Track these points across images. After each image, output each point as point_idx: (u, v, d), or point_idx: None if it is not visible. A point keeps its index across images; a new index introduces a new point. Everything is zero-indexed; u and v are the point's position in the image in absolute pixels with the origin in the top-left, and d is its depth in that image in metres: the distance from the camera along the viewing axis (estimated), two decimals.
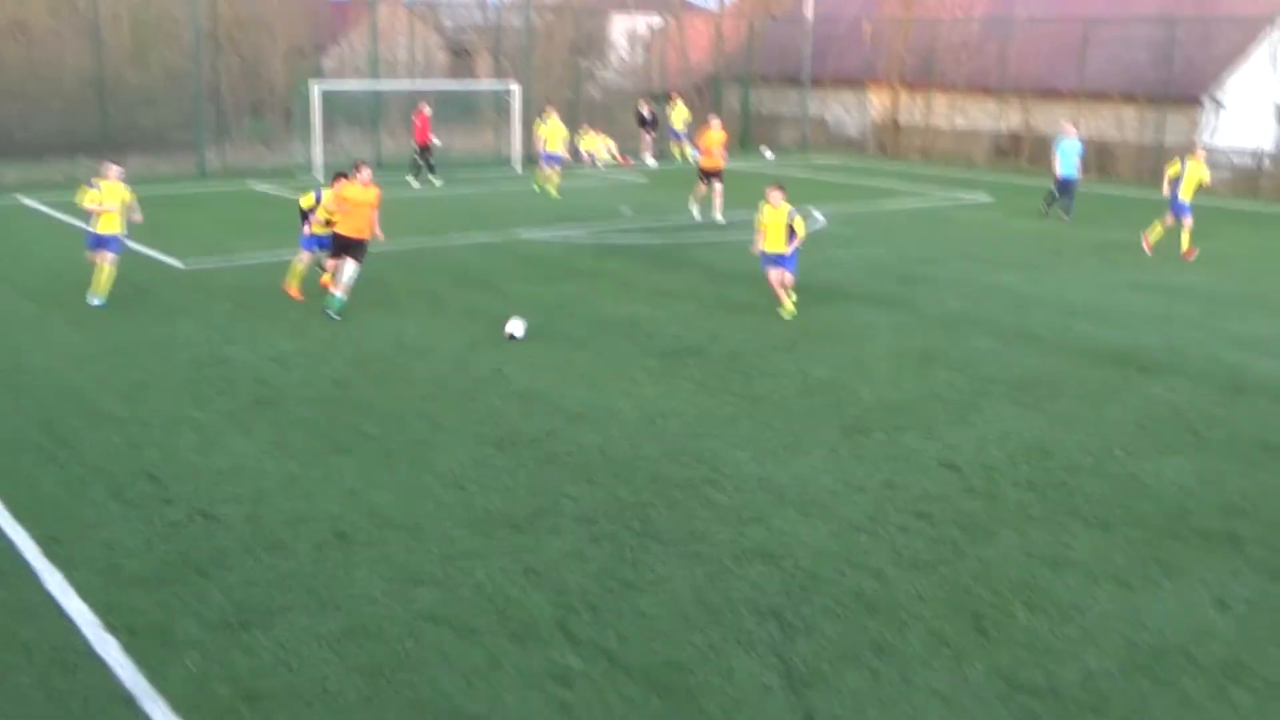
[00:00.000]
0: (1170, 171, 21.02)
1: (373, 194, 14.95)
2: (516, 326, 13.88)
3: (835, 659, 6.77)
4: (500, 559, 7.98)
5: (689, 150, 37.02)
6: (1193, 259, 20.37)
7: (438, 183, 29.18)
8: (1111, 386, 12.57)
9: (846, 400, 11.81)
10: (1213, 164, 33.08)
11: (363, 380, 12.16)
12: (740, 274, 17.69)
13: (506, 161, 33.36)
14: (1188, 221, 20.60)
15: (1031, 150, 36.25)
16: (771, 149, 38.57)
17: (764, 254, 15.33)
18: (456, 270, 18.19)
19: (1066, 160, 25.00)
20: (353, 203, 14.76)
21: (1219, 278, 19.24)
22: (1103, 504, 9.21)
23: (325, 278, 15.61)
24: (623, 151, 35.09)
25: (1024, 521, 8.85)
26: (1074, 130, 25.71)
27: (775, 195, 15.11)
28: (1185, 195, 20.61)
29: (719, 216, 23.22)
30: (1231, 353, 14.12)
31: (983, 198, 29.42)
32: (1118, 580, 7.89)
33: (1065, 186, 25.14)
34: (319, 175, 29.09)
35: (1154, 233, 21.10)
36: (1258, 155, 32.02)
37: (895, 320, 15.42)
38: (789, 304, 15.30)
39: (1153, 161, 33.47)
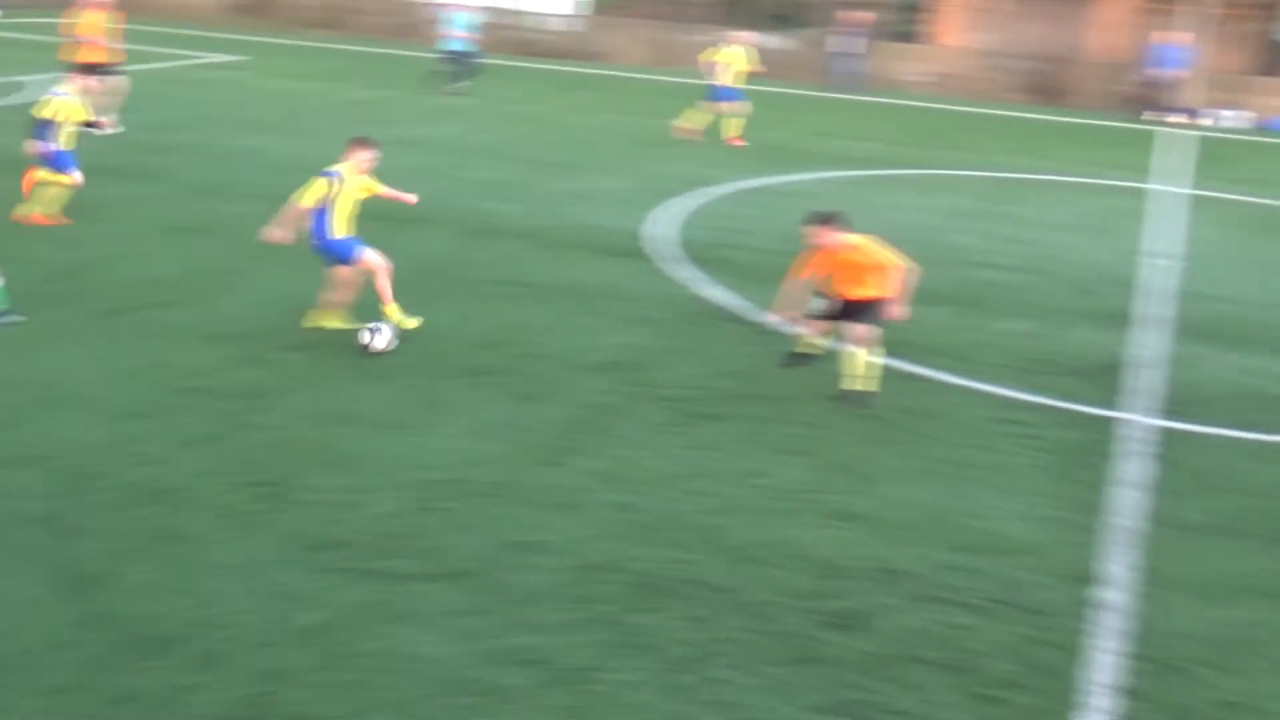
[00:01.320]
0: (712, 57, 20.64)
1: None
2: (381, 338, 9.60)
3: (120, 554, 6.41)
4: None
5: None
6: (736, 146, 20.35)
7: None
8: (378, 241, 12.96)
9: (104, 283, 11.03)
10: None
11: None
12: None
13: None
14: (736, 108, 20.58)
15: (276, 7, 35.75)
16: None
17: (330, 241, 9.83)
18: None
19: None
20: None
21: (466, 129, 20.56)
22: (379, 355, 9.56)
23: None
24: None
25: (302, 383, 8.95)
26: (461, 3, 25.73)
27: (364, 154, 10.03)
28: (730, 80, 20.48)
29: (108, 128, 15.46)
30: (481, 200, 15.22)
31: (234, 57, 28.60)
32: (399, 426, 8.29)
33: (454, 59, 25.26)
34: None
35: (693, 119, 20.81)
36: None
37: (154, 192, 14.63)
38: (335, 319, 10.10)
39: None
